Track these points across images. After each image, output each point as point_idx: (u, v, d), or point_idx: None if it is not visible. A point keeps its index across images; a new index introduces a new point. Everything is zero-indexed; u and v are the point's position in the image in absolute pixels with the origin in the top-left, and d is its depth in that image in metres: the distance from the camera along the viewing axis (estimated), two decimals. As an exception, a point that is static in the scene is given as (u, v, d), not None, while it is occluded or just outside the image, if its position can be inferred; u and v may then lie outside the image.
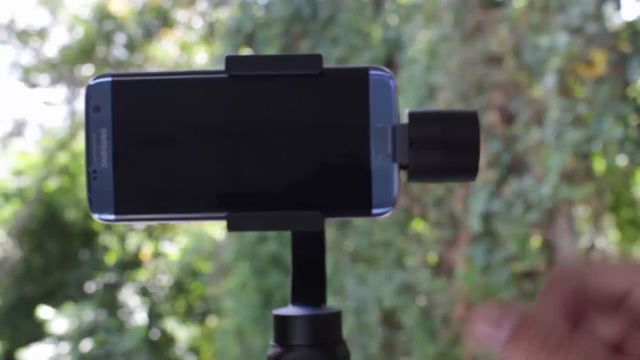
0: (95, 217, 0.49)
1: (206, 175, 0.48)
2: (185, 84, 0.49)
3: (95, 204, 0.48)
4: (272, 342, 0.51)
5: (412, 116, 0.49)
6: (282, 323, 0.50)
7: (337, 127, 0.49)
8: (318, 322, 0.50)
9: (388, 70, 0.49)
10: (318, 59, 0.49)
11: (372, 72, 0.49)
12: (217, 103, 0.48)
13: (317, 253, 0.54)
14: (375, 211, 0.49)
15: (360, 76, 0.49)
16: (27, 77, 6.29)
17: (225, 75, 0.48)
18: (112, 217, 0.48)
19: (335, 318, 0.50)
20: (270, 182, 0.49)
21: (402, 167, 0.49)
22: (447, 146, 0.48)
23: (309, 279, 0.53)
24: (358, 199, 0.49)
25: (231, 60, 0.49)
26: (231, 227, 0.48)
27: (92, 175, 0.48)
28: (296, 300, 0.53)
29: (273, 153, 0.49)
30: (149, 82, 0.49)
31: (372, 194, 0.49)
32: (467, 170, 0.49)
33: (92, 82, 0.49)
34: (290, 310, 0.51)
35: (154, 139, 0.48)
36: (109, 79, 0.48)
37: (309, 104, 0.49)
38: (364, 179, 0.49)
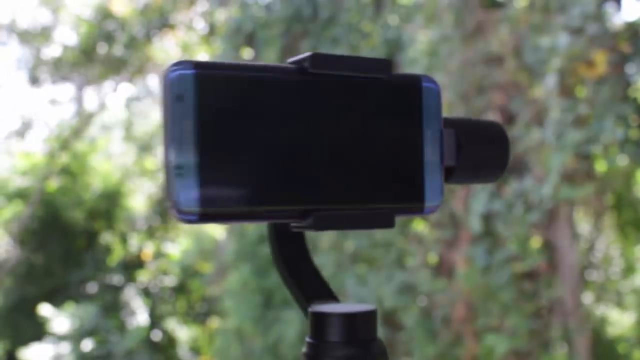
0: (178, 216, 0.45)
1: (290, 172, 0.48)
2: (267, 77, 0.48)
3: (180, 202, 0.45)
4: (308, 339, 0.50)
5: (456, 122, 0.53)
6: (320, 320, 0.50)
7: (398, 130, 0.51)
8: (355, 319, 0.50)
9: (434, 79, 0.53)
10: (388, 63, 0.50)
11: (424, 79, 0.52)
12: (299, 99, 0.48)
13: (306, 250, 0.54)
14: (426, 210, 0.52)
15: (415, 83, 0.52)
16: (31, 76, 6.30)
17: (308, 72, 0.48)
18: (196, 216, 0.45)
19: (371, 315, 0.51)
20: (347, 180, 0.49)
21: (447, 170, 0.52)
22: (488, 151, 0.53)
23: (316, 277, 0.54)
24: (414, 198, 0.51)
25: (315, 58, 0.48)
26: (317, 226, 0.48)
27: (176, 171, 0.45)
28: (313, 299, 0.53)
29: (349, 151, 0.49)
30: (232, 74, 0.47)
31: (424, 194, 0.52)
32: (498, 173, 0.54)
33: (171, 69, 0.45)
34: (328, 307, 0.51)
35: (238, 133, 0.46)
36: (191, 69, 0.45)
37: (377, 106, 0.50)
38: (419, 180, 0.51)
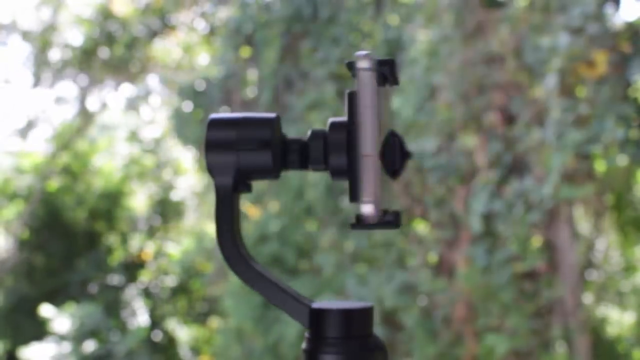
0: (370, 216, 0.47)
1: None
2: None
3: (370, 202, 0.48)
4: (307, 335, 0.52)
5: (396, 133, 0.57)
6: (319, 316, 0.51)
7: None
8: (353, 315, 0.52)
9: None
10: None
11: None
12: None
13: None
14: None
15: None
16: (33, 76, 6.30)
17: (387, 80, 0.53)
18: (378, 220, 0.48)
19: (368, 313, 0.53)
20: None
21: (393, 172, 0.56)
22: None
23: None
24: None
25: (393, 66, 0.52)
26: (398, 224, 0.53)
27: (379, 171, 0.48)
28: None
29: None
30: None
31: None
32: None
33: (365, 61, 0.46)
34: (328, 304, 0.52)
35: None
36: (376, 64, 0.47)
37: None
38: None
